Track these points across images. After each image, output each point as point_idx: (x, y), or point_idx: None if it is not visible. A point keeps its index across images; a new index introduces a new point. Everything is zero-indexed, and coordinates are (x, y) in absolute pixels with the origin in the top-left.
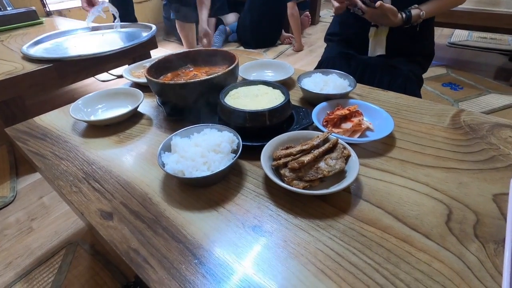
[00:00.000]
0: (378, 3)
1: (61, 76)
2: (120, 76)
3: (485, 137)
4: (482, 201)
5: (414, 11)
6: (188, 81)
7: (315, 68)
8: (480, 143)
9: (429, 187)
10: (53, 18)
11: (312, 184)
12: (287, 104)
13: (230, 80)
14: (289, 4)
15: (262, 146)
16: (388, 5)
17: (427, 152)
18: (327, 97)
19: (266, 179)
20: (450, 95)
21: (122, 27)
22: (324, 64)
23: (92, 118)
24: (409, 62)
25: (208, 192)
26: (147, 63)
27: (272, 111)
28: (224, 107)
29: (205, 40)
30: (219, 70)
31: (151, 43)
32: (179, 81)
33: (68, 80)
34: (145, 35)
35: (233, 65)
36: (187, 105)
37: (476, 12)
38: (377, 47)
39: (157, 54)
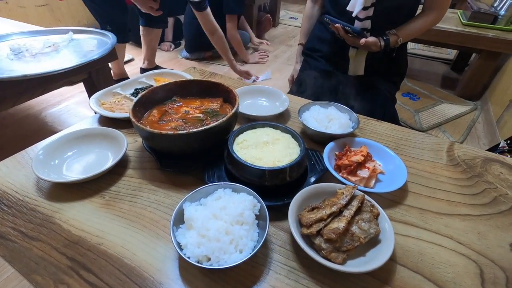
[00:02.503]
0: (362, 40)
1: None
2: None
3: (482, 175)
4: (503, 253)
5: (392, 38)
6: (191, 131)
7: (293, 84)
8: (479, 182)
9: (453, 240)
10: None
11: (348, 253)
12: (305, 155)
13: (234, 122)
14: (228, 26)
15: (283, 205)
16: (371, 39)
17: (439, 196)
18: (332, 137)
19: (295, 247)
20: (411, 106)
21: (75, 32)
22: (305, 82)
23: (67, 177)
24: (386, 82)
25: (234, 272)
26: (117, 89)
27: (293, 166)
28: (237, 162)
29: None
30: (212, 104)
31: (110, 55)
32: (181, 131)
33: (8, 103)
34: (104, 45)
35: (236, 107)
36: (185, 154)
37: (433, 29)
38: (357, 67)
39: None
